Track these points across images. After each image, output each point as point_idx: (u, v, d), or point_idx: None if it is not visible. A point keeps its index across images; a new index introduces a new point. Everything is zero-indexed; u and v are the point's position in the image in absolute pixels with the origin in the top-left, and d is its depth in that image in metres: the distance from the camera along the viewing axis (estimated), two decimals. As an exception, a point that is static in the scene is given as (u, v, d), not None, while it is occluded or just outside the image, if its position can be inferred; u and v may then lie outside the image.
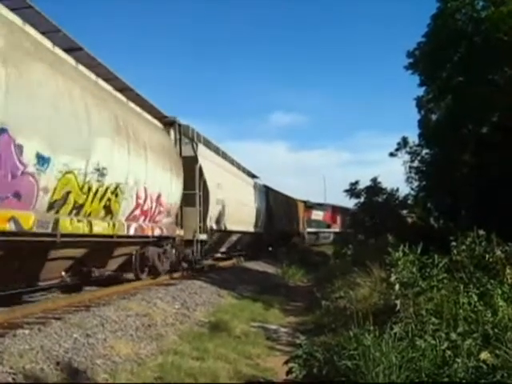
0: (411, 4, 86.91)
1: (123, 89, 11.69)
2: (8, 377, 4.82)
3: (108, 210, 9.74)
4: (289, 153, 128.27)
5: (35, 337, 6.04)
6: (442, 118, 17.82)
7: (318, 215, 46.58)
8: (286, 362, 5.65)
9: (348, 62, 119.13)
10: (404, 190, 22.38)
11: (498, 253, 7.81)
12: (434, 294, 6.37)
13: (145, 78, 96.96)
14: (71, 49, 9.32)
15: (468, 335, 5.21)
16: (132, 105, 12.37)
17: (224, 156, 21.26)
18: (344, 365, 4.95)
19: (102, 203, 9.40)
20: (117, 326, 7.30)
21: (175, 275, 14.11)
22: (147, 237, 11.97)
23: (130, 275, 12.64)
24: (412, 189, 21.22)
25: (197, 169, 15.54)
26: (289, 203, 35.55)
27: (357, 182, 22.65)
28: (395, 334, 5.22)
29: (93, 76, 10.23)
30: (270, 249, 28.89)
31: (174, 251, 14.03)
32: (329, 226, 50.24)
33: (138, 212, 11.21)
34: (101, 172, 9.01)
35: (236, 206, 19.89)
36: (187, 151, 15.48)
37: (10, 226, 6.60)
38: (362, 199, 22.56)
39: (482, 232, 8.40)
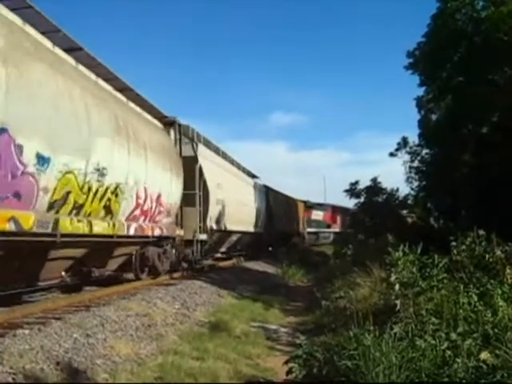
0: (411, 4, 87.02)
1: (123, 89, 11.68)
2: (8, 377, 4.82)
3: (108, 210, 9.73)
4: (289, 153, 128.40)
5: (35, 337, 6.04)
6: (442, 118, 17.82)
7: (317, 215, 46.58)
8: (286, 362, 5.65)
9: (348, 62, 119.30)
10: (404, 190, 22.43)
11: (498, 253, 7.81)
12: (434, 294, 6.37)
13: (145, 78, 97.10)
14: (71, 49, 9.31)
15: (468, 335, 5.21)
16: (132, 105, 12.36)
17: (224, 156, 21.26)
18: (344, 365, 4.96)
19: (102, 203, 9.40)
20: (117, 326, 7.30)
21: (175, 275, 14.11)
22: (147, 237, 11.96)
23: (130, 275, 12.63)
24: (412, 189, 21.26)
25: (197, 169, 15.53)
26: (289, 203, 35.57)
27: (357, 182, 22.69)
28: (395, 334, 5.22)
29: (93, 76, 10.22)
30: (270, 249, 28.90)
31: (173, 251, 14.01)
32: (329, 226, 50.22)
33: (138, 212, 11.20)
34: (101, 172, 9.00)
35: (236, 206, 19.89)
36: (187, 151, 15.46)
37: (9, 226, 6.59)
38: (362, 199, 22.58)
39: (482, 232, 8.41)
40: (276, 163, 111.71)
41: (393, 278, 6.57)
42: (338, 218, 50.62)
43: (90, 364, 5.65)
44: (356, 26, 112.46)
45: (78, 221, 8.50)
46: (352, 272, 11.28)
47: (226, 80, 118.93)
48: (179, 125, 15.09)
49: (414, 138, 20.38)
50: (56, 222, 7.73)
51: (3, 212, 6.55)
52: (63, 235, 7.89)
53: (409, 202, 22.05)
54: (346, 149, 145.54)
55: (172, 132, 14.89)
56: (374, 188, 22.29)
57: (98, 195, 9.11)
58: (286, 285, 16.87)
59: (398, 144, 20.89)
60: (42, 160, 7.20)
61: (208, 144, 18.50)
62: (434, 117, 19.04)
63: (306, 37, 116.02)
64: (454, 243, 8.30)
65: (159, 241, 12.89)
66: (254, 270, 20.16)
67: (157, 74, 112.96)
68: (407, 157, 20.66)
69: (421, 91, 18.59)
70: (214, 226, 17.01)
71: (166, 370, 5.82)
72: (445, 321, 5.67)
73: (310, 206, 43.58)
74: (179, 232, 14.32)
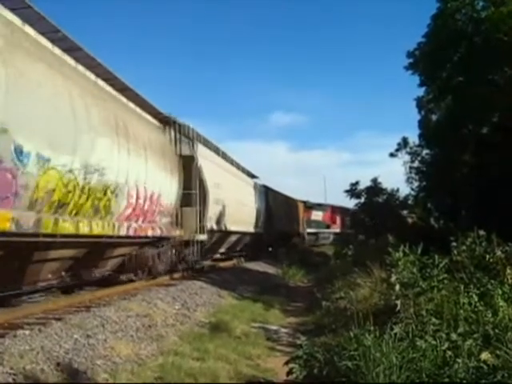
0: (411, 4, 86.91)
1: (122, 89, 11.56)
2: (8, 377, 4.82)
3: (100, 210, 9.40)
4: (289, 153, 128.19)
5: (35, 337, 6.04)
6: (442, 119, 17.82)
7: (317, 215, 46.50)
8: (287, 363, 5.65)
9: (348, 62, 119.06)
10: (404, 190, 22.44)
11: (499, 253, 7.81)
12: (435, 295, 6.37)
13: (145, 78, 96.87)
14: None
15: (468, 335, 5.21)
16: (130, 104, 12.18)
17: (223, 156, 21.13)
18: (344, 365, 4.96)
19: (93, 202, 9.06)
20: (117, 327, 7.30)
21: (176, 276, 14.08)
22: (143, 237, 11.74)
23: (129, 276, 12.36)
24: (412, 189, 21.27)
25: (195, 168, 15.32)
26: (288, 203, 35.56)
27: (357, 183, 22.69)
28: (395, 334, 5.22)
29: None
30: (270, 249, 28.90)
31: (171, 252, 13.83)
32: (328, 227, 50.07)
33: (133, 212, 10.94)
34: (91, 170, 8.70)
35: (235, 206, 19.83)
36: (186, 150, 15.31)
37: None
38: (362, 199, 22.58)
39: (482, 232, 8.41)
40: (276, 163, 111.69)
41: (393, 278, 6.57)
42: (338, 219, 50.53)
43: (90, 365, 5.65)
44: (356, 25, 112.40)
45: (64, 221, 8.05)
46: (352, 272, 11.28)
47: (226, 80, 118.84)
48: (178, 124, 14.94)
49: (414, 139, 20.44)
50: (38, 221, 7.28)
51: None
52: (46, 235, 7.48)
53: (409, 202, 22.07)
54: (346, 149, 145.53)
55: (170, 131, 14.70)
56: (375, 188, 22.30)
57: (87, 194, 8.77)
58: (286, 285, 16.88)
59: (398, 144, 20.93)
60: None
61: (207, 143, 18.37)
62: (434, 117, 19.05)
63: (306, 37, 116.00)
64: (454, 243, 8.31)
65: (156, 241, 12.73)
66: (255, 270, 20.16)
67: (157, 74, 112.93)
68: (407, 157, 20.71)
69: (421, 91, 18.62)
70: (213, 226, 16.91)
71: (167, 371, 5.83)
72: (445, 321, 5.67)
73: (309, 207, 43.51)
74: (177, 232, 14.11)
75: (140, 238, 11.64)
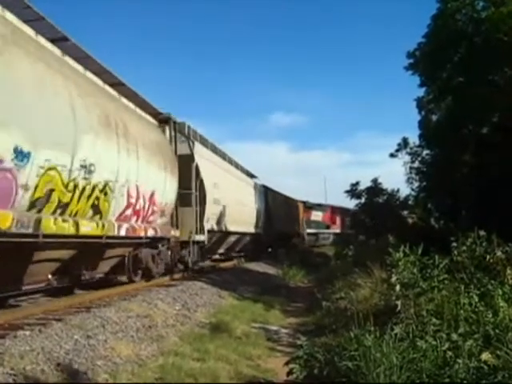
0: (411, 4, 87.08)
1: (114, 83, 11.25)
2: (9, 378, 4.83)
3: (97, 210, 9.20)
4: (289, 153, 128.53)
5: (36, 338, 6.05)
6: (443, 119, 17.82)
7: (317, 216, 46.45)
8: (287, 363, 5.65)
9: (348, 62, 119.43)
10: (404, 190, 22.45)
11: (499, 253, 7.82)
12: (435, 295, 6.38)
13: (145, 77, 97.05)
14: (57, 39, 8.77)
15: (469, 336, 5.21)
16: (124, 100, 11.87)
17: (222, 155, 20.88)
18: (345, 365, 4.96)
19: (90, 202, 8.87)
20: (117, 328, 7.29)
21: (176, 276, 14.06)
22: (140, 238, 11.47)
23: (124, 278, 12.18)
24: (412, 189, 21.27)
25: (193, 167, 15.10)
26: (288, 203, 35.51)
27: (357, 183, 22.73)
28: (396, 334, 5.23)
29: (80, 68, 9.76)
30: (270, 250, 28.88)
31: (169, 253, 13.55)
32: (328, 227, 50.01)
33: (129, 212, 10.69)
34: (88, 169, 8.50)
35: (235, 206, 19.69)
36: (183, 149, 15.00)
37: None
38: (362, 200, 22.60)
39: (482, 232, 8.41)
40: (276, 164, 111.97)
41: (393, 278, 6.57)
42: (338, 219, 50.50)
43: (90, 365, 5.66)
44: (356, 25, 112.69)
45: (63, 220, 7.99)
46: (353, 273, 11.28)
47: (226, 80, 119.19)
48: (175, 122, 14.64)
49: (414, 139, 20.42)
50: (38, 221, 7.26)
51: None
52: (46, 236, 7.42)
53: (409, 202, 22.09)
54: (346, 149, 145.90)
55: (167, 129, 14.39)
56: (375, 189, 22.33)
57: (86, 193, 8.62)
58: (286, 286, 16.88)
59: (399, 145, 20.91)
60: (21, 155, 6.76)
61: (205, 143, 18.14)
62: (434, 117, 19.05)
63: (306, 37, 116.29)
64: (454, 244, 8.30)
65: (153, 242, 12.45)
66: (255, 271, 20.15)
67: (157, 74, 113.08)
68: (408, 157, 20.68)
69: (421, 92, 18.63)
70: (212, 227, 16.66)
71: (167, 371, 5.83)
72: (446, 321, 5.67)
73: (309, 207, 43.46)
74: (175, 233, 13.84)
75: (136, 238, 11.36)
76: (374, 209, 21.64)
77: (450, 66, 16.13)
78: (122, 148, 10.09)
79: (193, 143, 15.90)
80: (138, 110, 12.88)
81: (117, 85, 11.46)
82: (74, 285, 10.42)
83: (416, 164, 20.43)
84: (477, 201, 14.46)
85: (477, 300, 6.31)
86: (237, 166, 23.54)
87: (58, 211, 7.95)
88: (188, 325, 8.80)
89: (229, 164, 21.87)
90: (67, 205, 8.17)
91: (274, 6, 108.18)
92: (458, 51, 15.83)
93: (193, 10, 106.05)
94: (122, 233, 10.39)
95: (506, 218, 11.72)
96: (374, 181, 22.39)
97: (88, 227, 8.86)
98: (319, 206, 47.70)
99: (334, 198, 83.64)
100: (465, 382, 4.46)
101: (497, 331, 5.32)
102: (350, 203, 24.85)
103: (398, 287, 6.43)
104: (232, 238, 20.77)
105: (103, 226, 9.45)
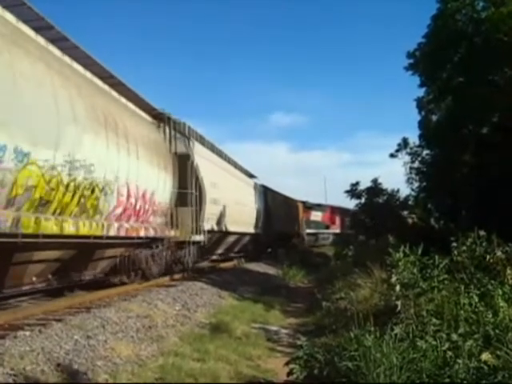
0: (411, 4, 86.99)
1: (112, 82, 11.21)
2: (9, 378, 4.83)
3: (87, 209, 8.91)
4: (289, 153, 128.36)
5: (36, 338, 6.05)
6: (443, 119, 17.82)
7: (316, 216, 46.44)
8: (287, 363, 5.65)
9: (348, 62, 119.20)
10: (404, 190, 22.41)
11: (499, 253, 7.82)
12: (435, 295, 6.38)
13: (145, 78, 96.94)
14: (40, 27, 8.44)
15: (469, 336, 5.22)
16: (121, 98, 11.78)
17: (220, 154, 20.70)
18: (345, 366, 4.96)
19: (80, 200, 8.55)
20: (117, 328, 7.30)
21: (176, 277, 14.04)
22: (136, 238, 11.22)
23: (116, 279, 11.83)
24: (412, 190, 21.24)
25: (191, 167, 14.92)
26: (288, 204, 35.49)
27: (357, 183, 22.68)
28: (396, 334, 5.23)
29: (66, 58, 9.49)
30: (269, 250, 28.85)
31: (166, 253, 13.40)
32: (327, 227, 49.99)
33: (122, 211, 10.43)
34: (76, 166, 8.20)
35: (234, 206, 19.60)
36: (181, 148, 14.85)
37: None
38: (362, 200, 22.57)
39: (482, 232, 8.41)
40: (276, 164, 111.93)
41: (393, 278, 6.57)
42: (337, 219, 50.48)
43: (90, 365, 5.66)
44: (356, 25, 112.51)
45: (46, 219, 7.55)
46: (353, 273, 11.28)
47: (226, 80, 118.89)
48: (173, 121, 14.51)
49: (414, 139, 20.38)
50: (16, 220, 6.84)
51: None
52: (26, 236, 6.99)
53: (409, 202, 22.05)
54: (346, 149, 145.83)
55: (165, 128, 14.29)
56: (375, 189, 22.30)
57: (71, 191, 8.18)
58: (286, 286, 16.87)
59: (399, 145, 20.88)
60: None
61: (203, 142, 17.98)
62: (434, 117, 19.03)
63: (306, 37, 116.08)
64: (454, 244, 8.30)
65: (149, 242, 12.27)
66: (255, 271, 20.15)
67: (157, 74, 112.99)
68: (408, 158, 20.64)
69: (421, 92, 18.62)
70: (210, 227, 16.48)
71: (167, 371, 5.83)
72: (446, 321, 5.68)
73: (308, 207, 43.45)
74: (172, 233, 13.62)
75: (132, 238, 11.10)
76: (373, 209, 21.61)
77: (450, 66, 16.12)
78: (121, 147, 9.87)
79: (191, 142, 15.78)
80: (137, 109, 12.67)
81: (116, 84, 11.37)
82: (71, 285, 10.22)
83: (416, 164, 20.41)
84: (477, 201, 14.45)
85: (477, 300, 6.32)
86: (236, 165, 23.46)
87: (39, 209, 7.51)
88: (188, 325, 8.80)
89: (228, 164, 21.76)
90: (50, 202, 7.72)
91: (274, 5, 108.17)
92: (458, 51, 15.83)
93: (193, 10, 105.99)
94: (120, 233, 10.16)
95: (506, 217, 11.71)
96: (374, 181, 22.36)
97: (86, 227, 8.62)
98: (319, 206, 47.68)
99: (333, 198, 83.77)
100: (465, 382, 4.46)
101: (497, 331, 5.33)
102: (350, 203, 24.85)
103: (397, 287, 6.43)
104: (231, 239, 20.68)
105: (102, 225, 9.24)
